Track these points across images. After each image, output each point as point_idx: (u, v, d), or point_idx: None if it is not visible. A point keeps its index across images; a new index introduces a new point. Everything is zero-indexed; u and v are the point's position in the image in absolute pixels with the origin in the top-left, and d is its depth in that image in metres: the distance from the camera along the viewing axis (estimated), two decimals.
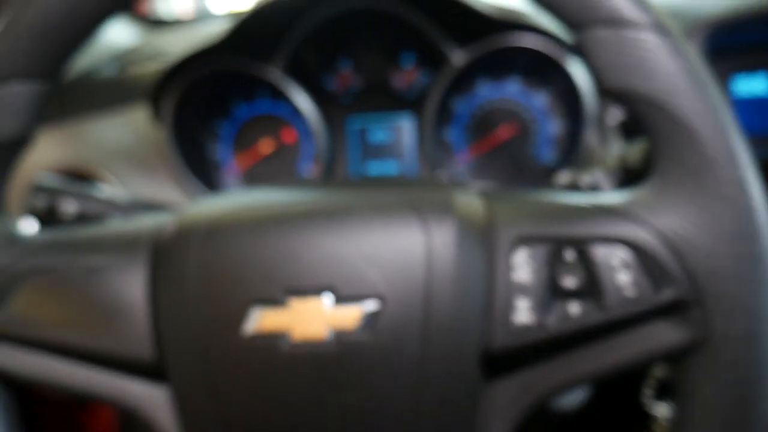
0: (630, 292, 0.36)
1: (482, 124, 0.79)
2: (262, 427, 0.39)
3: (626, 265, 0.37)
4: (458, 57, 0.72)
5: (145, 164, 0.78)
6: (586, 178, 0.52)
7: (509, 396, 0.40)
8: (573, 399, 0.61)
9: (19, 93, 0.42)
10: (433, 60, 0.75)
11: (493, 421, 0.40)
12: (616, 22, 0.36)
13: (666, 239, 0.36)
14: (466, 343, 0.38)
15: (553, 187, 0.54)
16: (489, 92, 0.79)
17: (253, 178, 0.83)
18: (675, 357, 0.37)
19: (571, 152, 0.72)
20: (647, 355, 0.37)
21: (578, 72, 0.70)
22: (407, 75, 0.81)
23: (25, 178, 0.57)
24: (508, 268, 0.38)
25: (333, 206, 0.41)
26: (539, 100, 0.78)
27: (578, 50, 0.38)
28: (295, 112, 0.80)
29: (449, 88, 0.74)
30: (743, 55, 0.73)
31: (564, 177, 0.53)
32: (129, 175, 0.79)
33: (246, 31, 0.69)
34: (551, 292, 0.38)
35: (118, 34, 1.03)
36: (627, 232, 0.37)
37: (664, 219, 0.36)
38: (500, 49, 0.70)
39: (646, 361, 0.38)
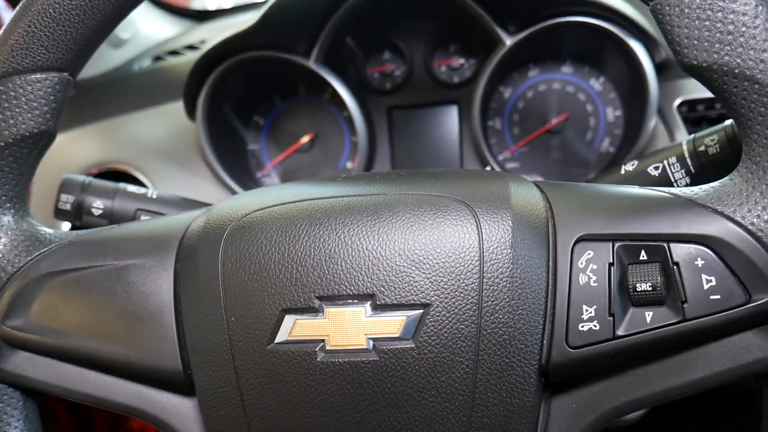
0: (716, 297, 0.32)
1: (533, 112, 0.75)
2: None
3: (711, 267, 0.32)
4: (508, 38, 0.67)
5: (180, 159, 0.77)
6: (653, 167, 0.47)
7: (571, 415, 0.36)
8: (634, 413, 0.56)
9: (41, 86, 0.40)
10: (481, 44, 0.71)
11: None
12: None
13: (759, 237, 0.32)
14: (524, 356, 0.34)
15: (618, 179, 0.49)
16: (540, 77, 0.74)
17: (290, 170, 0.80)
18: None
19: (632, 139, 0.67)
20: (736, 370, 0.33)
21: (639, 51, 0.65)
22: (452, 62, 0.77)
23: (59, 177, 0.55)
24: (572, 270, 0.34)
25: (373, 202, 0.37)
26: (594, 84, 0.73)
27: (653, 20, 0.34)
28: (334, 103, 0.76)
29: (498, 73, 0.69)
30: None
31: (630, 166, 0.48)
32: (164, 170, 0.77)
33: (280, 17, 0.66)
34: (622, 298, 0.33)
35: (155, 27, 1.02)
36: (711, 229, 0.33)
37: (756, 213, 0.32)
38: (553, 25, 0.65)
39: (735, 378, 0.34)
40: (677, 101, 0.66)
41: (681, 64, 0.34)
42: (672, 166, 0.46)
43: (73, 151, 0.82)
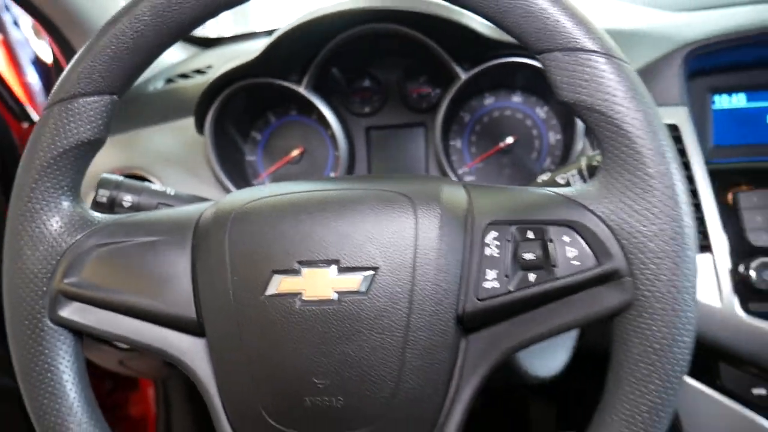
0: (576, 263, 0.44)
1: (488, 134, 0.88)
2: (280, 372, 0.48)
3: (574, 242, 0.45)
4: (463, 73, 0.81)
5: (189, 167, 0.89)
6: (560, 177, 0.60)
7: (480, 350, 0.48)
8: (551, 370, 0.69)
9: (97, 105, 0.52)
10: (442, 76, 0.85)
11: (467, 370, 0.48)
12: (571, 48, 0.45)
13: (606, 224, 0.44)
14: (445, 305, 0.47)
15: (535, 186, 0.63)
16: (494, 104, 0.88)
17: (281, 178, 0.93)
18: (612, 316, 0.44)
19: (564, 158, 0.81)
20: (592, 314, 0.45)
21: None
22: (422, 90, 0.91)
23: (92, 176, 0.68)
24: (481, 246, 0.47)
25: (341, 194, 0.50)
26: (539, 112, 0.87)
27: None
28: (321, 122, 0.90)
29: (455, 100, 0.83)
30: (724, 74, 0.81)
31: (543, 176, 0.62)
32: (175, 176, 0.90)
33: (278, 51, 0.80)
34: (514, 264, 0.46)
35: (166, 53, 1.15)
36: (575, 216, 0.45)
37: (604, 206, 0.44)
38: (500, 64, 0.79)
39: (591, 320, 0.45)
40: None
41: (559, 100, 0.47)
42: (572, 177, 0.60)
43: (100, 157, 0.94)
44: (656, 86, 0.78)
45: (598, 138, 0.46)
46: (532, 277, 0.45)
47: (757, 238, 0.72)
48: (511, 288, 0.46)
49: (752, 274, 0.70)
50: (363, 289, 0.47)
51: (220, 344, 0.50)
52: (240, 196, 0.53)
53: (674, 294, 0.42)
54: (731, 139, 0.81)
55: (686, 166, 0.75)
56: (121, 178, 0.67)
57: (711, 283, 0.72)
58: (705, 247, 0.73)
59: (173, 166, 0.91)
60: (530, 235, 0.46)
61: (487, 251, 0.47)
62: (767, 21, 0.76)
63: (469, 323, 0.47)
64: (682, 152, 0.75)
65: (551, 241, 0.45)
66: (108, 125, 0.53)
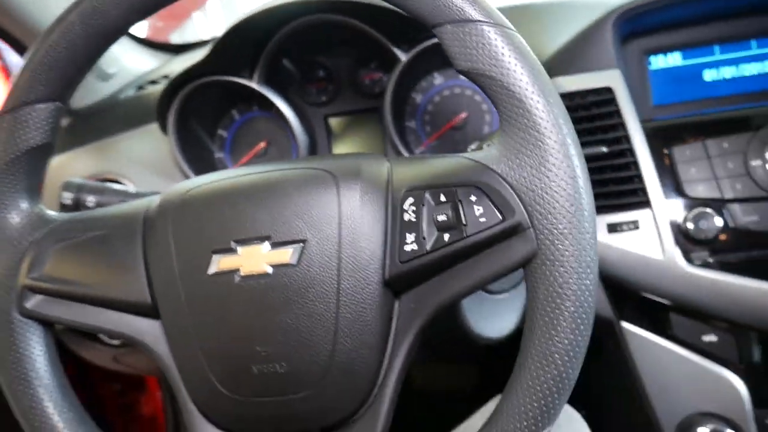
0: (483, 220, 0.47)
1: (440, 112, 0.92)
2: (227, 344, 0.52)
3: (480, 201, 0.48)
4: (403, 56, 0.85)
5: (159, 168, 0.94)
6: (486, 144, 0.64)
7: (410, 309, 0.51)
8: (502, 331, 0.72)
9: (42, 113, 0.56)
10: (388, 61, 0.88)
11: (399, 330, 0.52)
12: (461, 20, 0.49)
13: (506, 181, 0.47)
14: (371, 270, 0.50)
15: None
16: (444, 84, 0.92)
17: None
18: (521, 266, 0.47)
19: None
20: (504, 267, 0.47)
21: None
22: (374, 76, 0.94)
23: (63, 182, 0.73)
24: (401, 212, 0.51)
25: (270, 177, 0.54)
26: None
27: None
28: (281, 115, 0.94)
29: (402, 83, 0.87)
30: (658, 35, 0.84)
31: (472, 146, 0.66)
32: (147, 177, 0.94)
33: (225, 48, 0.84)
34: (429, 227, 0.49)
35: (137, 61, 1.20)
36: (480, 177, 0.48)
37: (504, 165, 0.47)
38: (436, 44, 0.83)
39: (505, 272, 0.48)
40: None
41: (456, 69, 0.50)
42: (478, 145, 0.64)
43: (75, 166, 1.00)
44: (589, 51, 0.81)
45: (493, 102, 0.49)
46: (446, 237, 0.48)
47: (692, 190, 0.75)
48: (428, 248, 0.49)
49: (689, 225, 0.73)
50: (294, 261, 0.51)
51: (173, 324, 0.54)
52: (182, 186, 0.57)
53: (571, 240, 0.46)
54: (671, 98, 0.84)
55: (622, 126, 0.78)
56: (83, 180, 0.72)
57: (653, 237, 0.75)
58: (644, 202, 0.76)
59: (145, 168, 0.95)
60: (443, 198, 0.49)
61: (406, 217, 0.50)
62: None
63: (397, 285, 0.51)
64: (617, 113, 0.79)
65: (460, 201, 0.48)
66: (55, 130, 0.57)
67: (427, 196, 0.50)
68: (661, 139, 0.78)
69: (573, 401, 1.18)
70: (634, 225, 0.76)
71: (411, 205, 0.50)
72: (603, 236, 0.77)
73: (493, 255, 0.48)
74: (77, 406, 0.56)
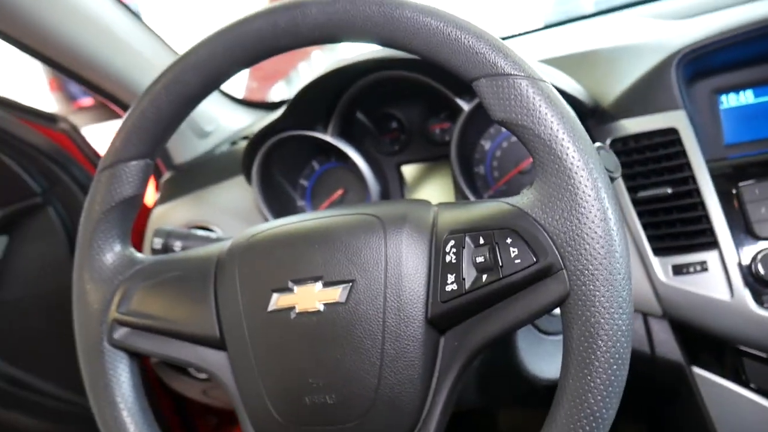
0: (518, 261, 0.49)
1: (508, 158, 0.94)
2: (283, 376, 0.57)
3: (515, 243, 0.50)
4: (466, 105, 0.88)
5: (245, 216, 1.02)
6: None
7: (453, 346, 0.54)
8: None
9: (134, 169, 0.65)
10: (454, 111, 0.92)
11: (443, 366, 0.55)
12: (495, 74, 0.52)
13: (540, 225, 0.49)
14: (414, 308, 0.54)
15: None
16: (508, 133, 0.95)
17: None
18: (555, 306, 0.49)
19: None
20: (539, 307, 0.49)
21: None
22: (444, 125, 0.98)
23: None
24: (443, 254, 0.54)
25: (324, 222, 0.59)
26: None
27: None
28: (356, 165, 0.99)
29: (468, 131, 0.90)
30: (728, 73, 0.83)
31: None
32: (235, 225, 1.03)
33: (300, 105, 0.91)
34: (469, 268, 0.52)
35: (232, 119, 1.31)
36: (515, 221, 0.50)
37: (538, 209, 0.49)
38: None
39: (541, 312, 0.50)
40: (609, 139, 0.84)
41: (493, 120, 0.53)
42: None
43: (174, 215, 1.10)
44: (654, 93, 0.81)
45: (528, 150, 0.51)
46: (484, 277, 0.51)
47: (762, 230, 0.72)
48: (467, 288, 0.51)
49: (759, 266, 0.71)
50: (343, 300, 0.55)
51: (237, 356, 0.59)
52: (249, 231, 0.63)
53: (602, 281, 0.47)
54: (743, 136, 0.82)
55: (687, 166, 0.77)
56: (171, 227, 0.80)
57: (720, 279, 0.73)
58: (712, 243, 0.74)
59: (233, 216, 1.04)
60: (482, 240, 0.52)
61: (447, 258, 0.54)
62: (758, 16, 0.78)
63: (439, 324, 0.54)
64: (682, 153, 0.78)
65: (497, 244, 0.51)
66: (144, 183, 0.65)
67: (468, 239, 0.53)
68: (730, 178, 0.77)
69: None
70: (702, 266, 0.74)
71: (452, 247, 0.53)
72: (668, 279, 0.76)
73: (528, 295, 0.50)
74: (156, 430, 0.62)
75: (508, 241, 0.51)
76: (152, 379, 1.28)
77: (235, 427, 1.57)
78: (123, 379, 0.63)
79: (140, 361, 0.65)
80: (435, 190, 1.01)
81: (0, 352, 1.30)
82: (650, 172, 0.80)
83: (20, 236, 1.24)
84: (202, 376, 1.01)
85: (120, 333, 0.63)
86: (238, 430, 1.59)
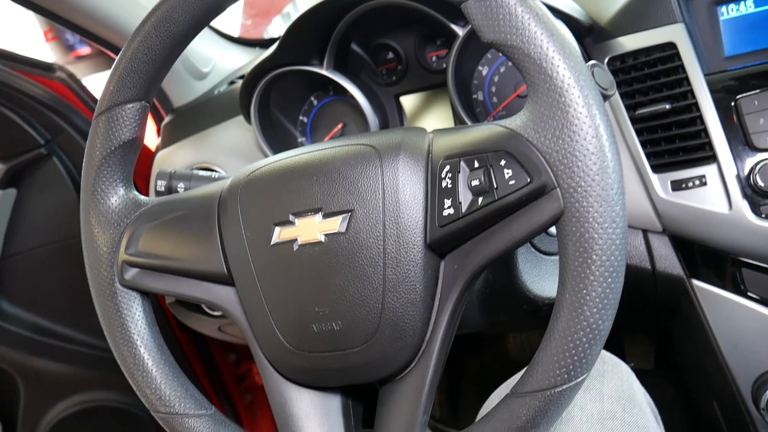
0: (512, 182, 0.50)
1: (506, 83, 0.94)
2: (290, 306, 0.59)
3: (509, 165, 0.50)
4: (461, 30, 0.87)
5: (245, 154, 1.03)
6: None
7: (453, 269, 0.55)
8: None
9: (130, 112, 0.65)
10: (450, 37, 0.91)
11: (444, 289, 0.56)
12: None
13: (533, 145, 0.49)
14: (414, 234, 0.55)
15: None
16: (505, 57, 0.93)
17: None
18: (551, 225, 0.50)
19: None
20: (534, 225, 0.50)
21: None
22: (440, 53, 0.97)
23: None
24: (439, 180, 0.55)
25: (321, 155, 0.60)
26: None
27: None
28: (353, 98, 0.99)
29: (464, 57, 0.89)
30: None
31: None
32: (236, 164, 1.03)
33: (293, 39, 0.90)
34: (465, 191, 0.52)
35: (229, 59, 1.30)
36: (508, 143, 0.51)
37: (530, 131, 0.49)
38: None
39: (536, 231, 0.50)
40: (607, 58, 0.83)
41: (483, 42, 0.53)
42: None
43: (176, 157, 1.11)
44: (651, 8, 0.80)
45: (520, 70, 0.51)
46: (480, 200, 0.51)
47: (760, 141, 0.72)
48: (463, 212, 0.52)
49: (758, 177, 0.71)
50: (343, 229, 0.56)
51: (244, 290, 0.61)
52: (248, 168, 0.64)
53: (596, 197, 0.47)
54: (744, 47, 0.80)
55: (686, 81, 0.77)
56: (173, 169, 0.81)
57: (719, 192, 0.74)
58: (710, 157, 0.74)
59: (234, 156, 1.04)
60: (476, 164, 0.52)
61: (443, 183, 0.54)
62: None
63: (439, 248, 0.55)
64: (681, 68, 0.77)
65: (491, 166, 0.51)
66: (142, 125, 0.65)
67: (462, 163, 0.53)
68: (729, 91, 0.76)
69: (658, 362, 1.16)
70: (701, 181, 0.75)
71: (448, 172, 0.54)
72: (667, 195, 0.76)
73: (524, 215, 0.51)
74: (172, 363, 0.65)
75: (502, 162, 0.51)
76: (171, 321, 1.32)
77: (253, 362, 1.62)
78: (137, 317, 0.65)
79: (153, 300, 0.67)
80: (434, 119, 1.00)
81: (22, 302, 1.34)
82: (649, 89, 0.80)
83: (28, 188, 1.26)
84: (216, 313, 1.04)
85: (130, 274, 0.64)
86: (255, 366, 1.65)
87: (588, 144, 0.48)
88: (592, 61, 0.60)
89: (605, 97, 0.59)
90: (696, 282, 0.79)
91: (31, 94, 1.17)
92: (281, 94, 1.00)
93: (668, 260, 0.80)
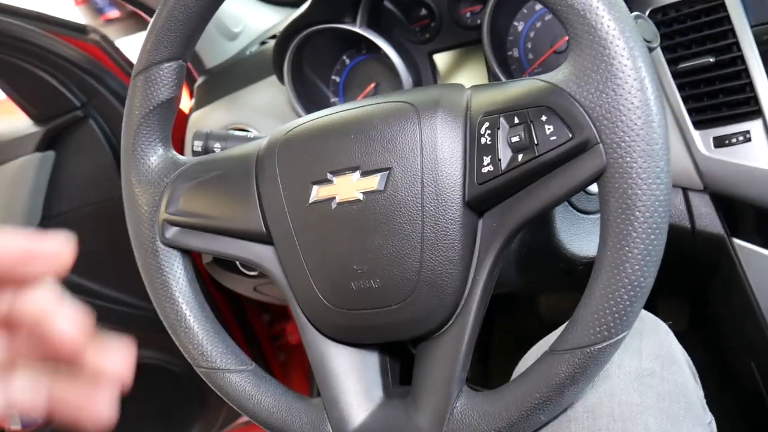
0: (554, 138, 0.50)
1: (542, 38, 0.91)
2: (328, 264, 0.59)
3: (550, 120, 0.50)
4: None
5: (279, 114, 1.03)
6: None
7: (492, 227, 0.56)
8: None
9: (168, 71, 0.65)
10: None
11: (483, 246, 0.56)
12: None
13: (575, 99, 0.49)
14: (452, 191, 0.55)
15: None
16: (543, 10, 0.91)
17: None
18: (593, 181, 0.50)
19: None
20: (576, 182, 0.49)
21: None
22: (474, 8, 0.95)
23: None
24: (478, 137, 0.54)
25: (358, 113, 0.60)
26: None
27: None
28: (387, 56, 0.98)
29: (500, 12, 0.87)
30: None
31: None
32: (270, 124, 1.03)
33: None
34: (505, 148, 0.53)
35: (260, 18, 1.29)
36: (549, 98, 0.50)
37: (573, 85, 0.49)
38: None
39: (578, 187, 0.50)
40: (648, 10, 0.80)
41: None
42: None
43: (210, 119, 1.11)
44: None
45: (562, 23, 0.50)
46: (520, 157, 0.51)
47: None
48: (502, 169, 0.52)
49: None
50: (381, 187, 0.56)
51: (283, 248, 0.62)
52: (285, 127, 0.64)
53: (640, 152, 0.46)
54: None
55: (732, 33, 0.74)
56: (209, 130, 0.81)
57: (764, 148, 0.72)
58: (755, 112, 0.72)
59: (268, 116, 1.04)
60: (516, 120, 0.52)
61: (483, 140, 0.54)
62: None
63: (477, 206, 0.55)
64: (726, 19, 0.74)
65: (532, 122, 0.50)
66: (180, 85, 0.66)
67: (502, 119, 0.53)
68: None
69: (692, 323, 1.15)
70: (745, 137, 0.73)
71: (487, 128, 0.54)
72: (709, 152, 0.74)
73: (565, 172, 0.50)
74: (213, 319, 0.67)
75: (543, 118, 0.50)
76: (208, 281, 1.35)
77: (286, 322, 1.65)
78: (179, 275, 0.66)
79: (192, 258, 0.68)
80: (469, 77, 0.99)
81: None
82: (691, 42, 0.77)
83: (65, 150, 1.28)
84: (252, 273, 1.05)
85: (171, 232, 0.66)
86: (290, 326, 1.68)
87: (633, 98, 0.47)
88: (635, 13, 0.59)
89: (650, 50, 0.58)
90: (737, 241, 0.78)
91: (66, 57, 1.18)
92: (314, 53, 0.99)
93: (709, 219, 0.78)
